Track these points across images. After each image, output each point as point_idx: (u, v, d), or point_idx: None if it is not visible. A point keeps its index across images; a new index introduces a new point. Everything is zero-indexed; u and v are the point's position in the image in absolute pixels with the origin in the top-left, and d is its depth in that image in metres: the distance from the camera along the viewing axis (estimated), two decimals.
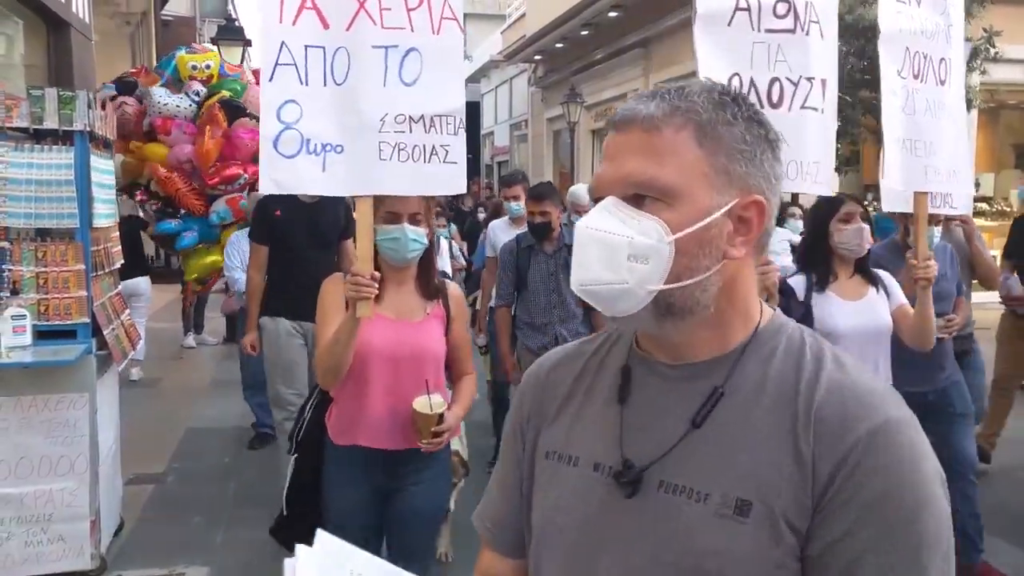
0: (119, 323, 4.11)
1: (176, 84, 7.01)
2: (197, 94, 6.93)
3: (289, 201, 4.29)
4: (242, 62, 7.94)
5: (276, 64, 2.33)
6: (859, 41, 8.80)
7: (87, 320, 3.67)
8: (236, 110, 6.92)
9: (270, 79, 2.33)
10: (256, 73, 7.48)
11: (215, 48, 7.84)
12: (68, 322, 3.64)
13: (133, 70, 7.80)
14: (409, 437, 2.52)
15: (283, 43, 2.32)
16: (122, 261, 4.39)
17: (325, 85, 2.36)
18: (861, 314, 3.11)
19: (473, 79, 30.56)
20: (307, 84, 2.34)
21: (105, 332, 3.81)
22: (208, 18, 17.81)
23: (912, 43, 3.02)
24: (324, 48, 2.35)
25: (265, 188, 2.44)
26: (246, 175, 7.01)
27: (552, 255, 4.53)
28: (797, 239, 6.26)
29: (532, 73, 23.90)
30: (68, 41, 7.61)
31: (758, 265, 2.23)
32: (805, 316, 2.78)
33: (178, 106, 6.85)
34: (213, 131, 6.66)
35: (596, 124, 20.30)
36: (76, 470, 3.67)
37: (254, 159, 7.08)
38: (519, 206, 5.29)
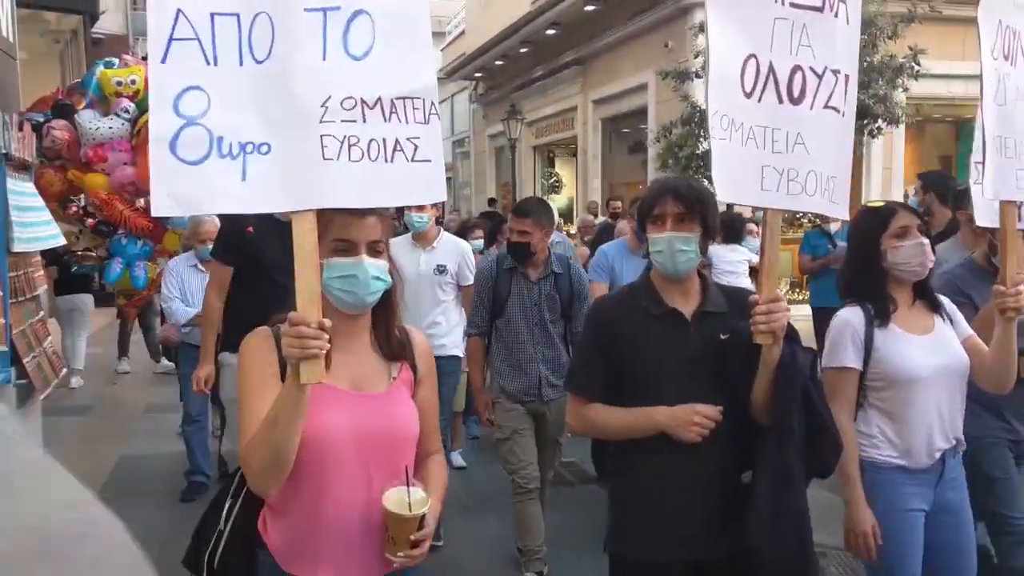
0: (41, 351, 3.97)
1: (102, 102, 6.71)
2: (127, 111, 6.61)
3: (261, 216, 3.68)
4: None
5: (170, 40, 1.73)
6: None
7: (4, 348, 3.53)
8: None
9: (162, 60, 1.73)
10: None
11: (139, 61, 7.38)
12: None
13: (53, 91, 7.38)
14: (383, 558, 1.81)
15: (179, 11, 1.73)
16: (45, 286, 4.25)
17: (241, 64, 1.76)
18: (939, 351, 2.54)
19: None
20: (215, 64, 1.75)
21: (25, 360, 3.68)
22: (141, 36, 17.45)
23: (1006, 15, 2.52)
24: (238, 15, 1.76)
25: (160, 207, 1.73)
26: None
27: (536, 283, 3.92)
28: (756, 259, 6.28)
29: (473, 90, 23.99)
30: None
31: (765, 303, 2.03)
32: (812, 366, 2.22)
33: (110, 128, 6.55)
34: None
35: (537, 140, 20.47)
36: None
37: None
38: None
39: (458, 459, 5.84)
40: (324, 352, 1.63)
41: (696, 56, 9.92)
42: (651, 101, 14.10)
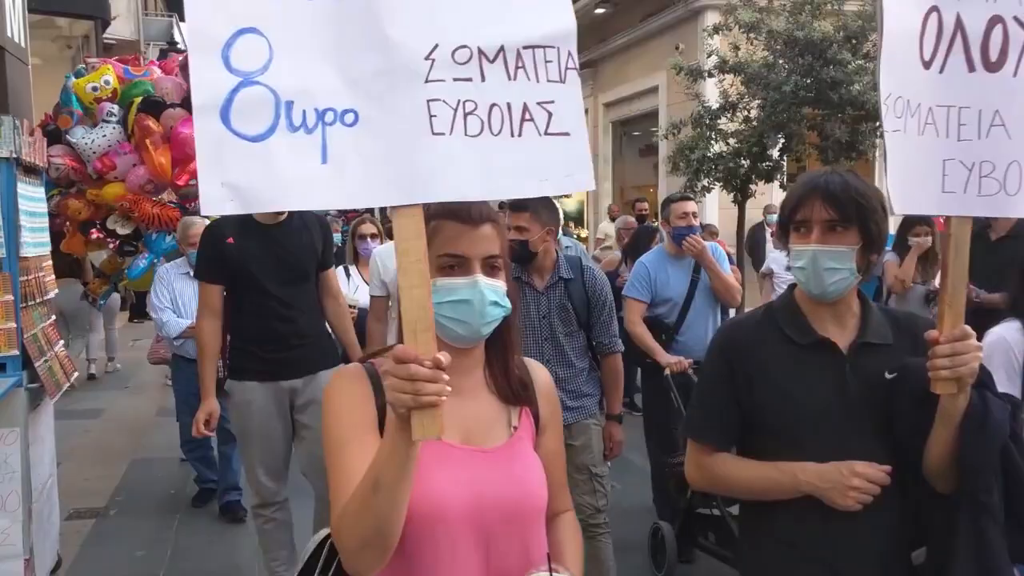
0: (53, 354, 3.97)
1: (88, 115, 6.43)
2: (112, 114, 6.36)
3: (242, 222, 3.40)
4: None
5: None
6: (805, 58, 9.00)
7: (16, 353, 3.54)
8: (157, 106, 6.32)
9: None
10: (164, 64, 6.87)
11: (103, 61, 6.98)
12: None
13: (44, 117, 7.08)
14: None
15: None
16: (55, 290, 4.25)
17: None
18: None
19: None
20: None
21: (37, 364, 3.68)
22: (152, 41, 17.56)
23: None
24: None
25: (211, 202, 1.23)
26: None
27: (543, 292, 3.36)
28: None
29: None
30: (2, 65, 7.40)
31: (948, 341, 1.52)
32: (1013, 418, 1.68)
33: (104, 136, 6.29)
34: (154, 141, 6.18)
35: None
36: (7, 508, 3.51)
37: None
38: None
39: None
40: (443, 399, 1.19)
41: (709, 56, 9.88)
42: (662, 104, 14.06)
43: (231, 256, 3.42)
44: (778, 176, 9.88)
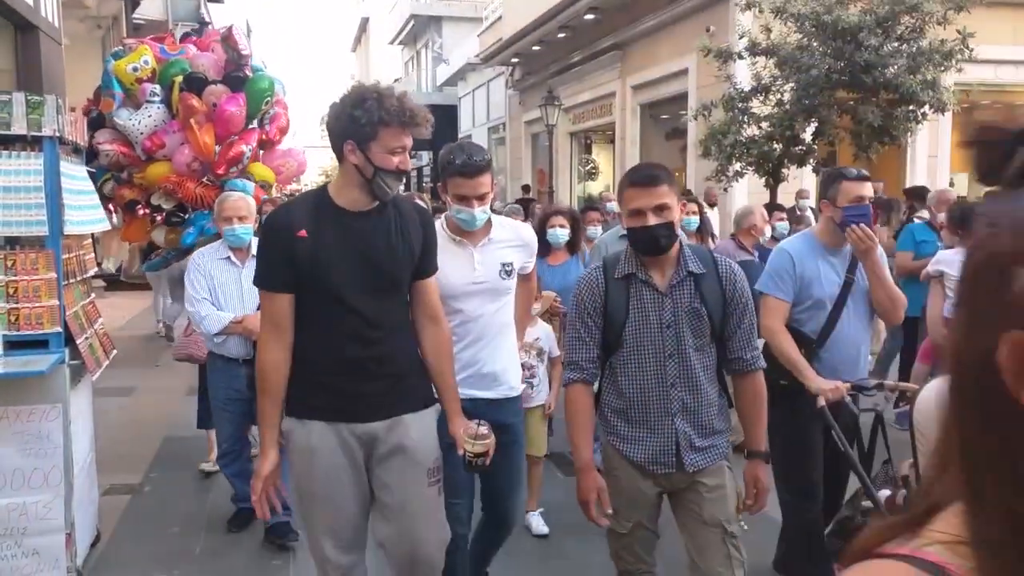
0: (92, 332, 4.02)
1: (130, 96, 6.43)
2: (155, 94, 6.37)
3: (317, 208, 2.61)
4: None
5: None
6: (836, 42, 8.85)
7: (59, 330, 3.58)
8: (200, 83, 6.31)
9: None
10: (199, 41, 6.88)
11: (141, 41, 6.99)
12: (39, 332, 3.55)
13: (86, 101, 7.05)
14: None
15: None
16: (96, 268, 4.29)
17: None
18: None
19: (450, 82, 30.52)
20: None
21: (78, 341, 3.73)
22: (181, 22, 17.62)
23: None
24: None
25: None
26: (249, 148, 6.43)
27: (667, 293, 2.60)
28: None
29: (509, 76, 23.90)
30: (36, 45, 7.47)
31: None
32: None
33: (150, 116, 6.30)
34: (199, 120, 6.17)
35: (574, 127, 20.33)
36: (50, 483, 3.58)
37: (246, 127, 6.44)
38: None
39: (538, 523, 4.40)
40: None
41: (740, 37, 9.75)
42: (691, 87, 13.92)
43: (303, 254, 2.52)
44: (811, 160, 9.76)
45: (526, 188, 19.63)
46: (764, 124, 9.63)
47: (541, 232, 4.89)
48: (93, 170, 6.21)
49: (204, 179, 6.44)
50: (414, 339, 2.75)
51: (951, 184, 11.48)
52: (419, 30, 34.79)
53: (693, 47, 11.80)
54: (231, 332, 4.08)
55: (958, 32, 8.90)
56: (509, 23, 20.94)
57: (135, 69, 6.31)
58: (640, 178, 2.59)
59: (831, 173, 3.54)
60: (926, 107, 9.13)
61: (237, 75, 6.52)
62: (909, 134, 9.60)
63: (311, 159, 8.55)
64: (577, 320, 2.70)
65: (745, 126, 9.65)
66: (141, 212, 6.65)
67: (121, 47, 7.07)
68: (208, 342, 4.27)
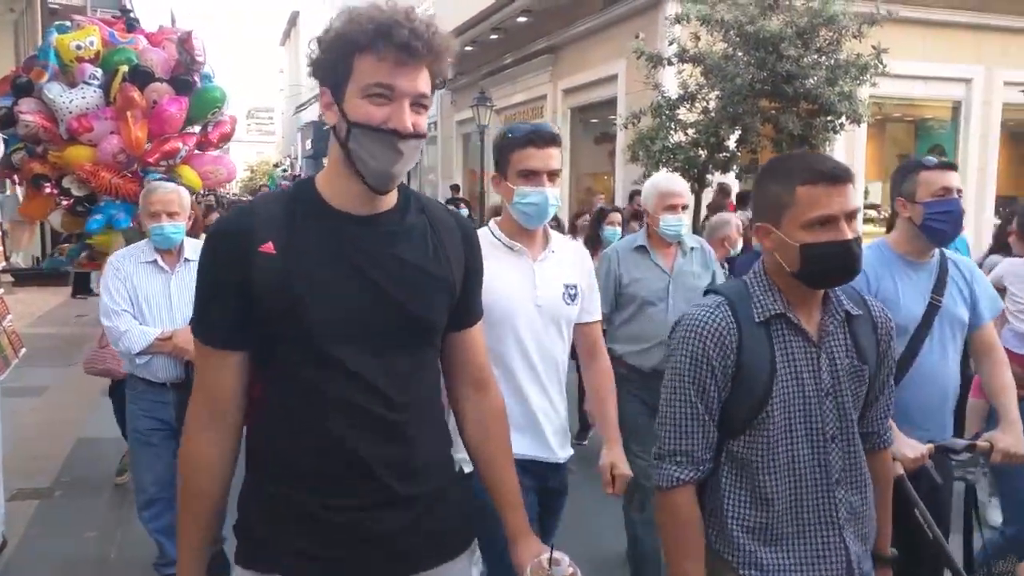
0: (1, 330, 3.85)
1: (65, 72, 6.21)
2: (95, 77, 6.14)
3: (300, 213, 1.56)
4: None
5: None
6: (759, 52, 9.12)
7: None
8: (145, 77, 6.15)
9: None
10: (152, 35, 6.73)
11: (92, 20, 6.79)
12: None
13: (10, 69, 6.79)
14: None
15: None
16: (4, 263, 4.11)
17: None
18: None
19: None
20: None
21: None
22: (100, 7, 16.98)
23: None
24: None
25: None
26: (186, 147, 6.30)
27: (820, 344, 1.81)
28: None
29: None
30: None
31: None
32: None
33: (84, 98, 6.03)
34: (135, 114, 6.00)
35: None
36: None
37: (183, 130, 6.33)
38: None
39: None
40: None
41: (670, 44, 9.96)
42: (621, 92, 14.15)
43: (266, 279, 1.49)
44: (734, 167, 10.04)
45: (455, 188, 19.62)
46: (690, 131, 9.87)
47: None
48: (5, 136, 6.00)
49: (126, 172, 6.23)
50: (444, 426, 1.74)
51: (866, 193, 11.96)
52: None
53: (623, 53, 12.01)
54: (157, 351, 3.37)
55: (873, 47, 9.29)
56: (441, 23, 20.71)
57: (79, 47, 6.09)
58: (832, 172, 1.71)
59: (905, 165, 2.72)
60: (843, 118, 9.50)
61: (185, 79, 6.42)
62: (827, 143, 9.96)
63: (235, 154, 8.42)
64: (689, 385, 1.76)
65: (672, 132, 9.87)
66: (48, 190, 6.34)
67: (68, 22, 6.82)
68: (128, 363, 3.48)
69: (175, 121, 6.24)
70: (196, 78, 6.54)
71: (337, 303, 1.50)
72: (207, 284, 1.56)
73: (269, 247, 1.50)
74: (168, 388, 3.47)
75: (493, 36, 18.57)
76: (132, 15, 9.23)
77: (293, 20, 51.45)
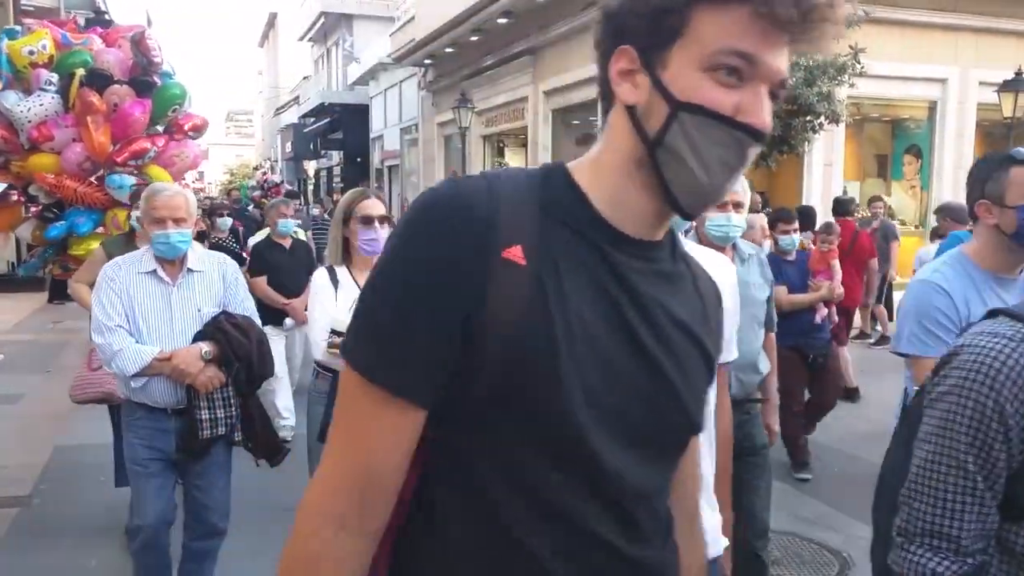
0: None
1: (19, 79, 5.98)
2: (51, 83, 5.94)
3: (559, 221, 1.01)
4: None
5: None
6: None
7: None
8: (104, 80, 5.98)
9: None
10: (106, 34, 6.53)
11: (43, 24, 6.44)
12: None
13: None
14: None
15: None
16: None
17: None
18: None
19: (361, 81, 30.12)
20: None
21: None
22: (74, 10, 16.79)
23: None
24: None
25: None
26: (155, 148, 6.16)
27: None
28: None
29: (422, 77, 23.78)
30: None
31: None
32: None
33: (42, 105, 5.86)
34: (96, 120, 5.85)
35: (487, 130, 20.39)
36: None
37: (148, 131, 6.19)
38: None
39: None
40: None
41: None
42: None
43: (510, 308, 0.94)
44: None
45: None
46: None
47: None
48: None
49: (92, 179, 6.12)
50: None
51: (844, 192, 12.04)
52: (329, 27, 34.19)
53: None
54: (155, 372, 3.03)
55: (851, 48, 9.36)
56: (422, 24, 20.83)
57: (31, 52, 5.89)
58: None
59: (988, 160, 2.23)
60: (822, 118, 9.57)
61: (145, 79, 6.28)
62: (806, 144, 10.03)
63: (214, 157, 8.29)
64: (967, 448, 1.28)
65: None
66: (15, 198, 6.17)
67: (19, 27, 6.65)
68: (123, 386, 3.15)
69: (138, 124, 6.10)
70: (156, 78, 6.37)
71: (607, 369, 0.96)
72: (406, 289, 0.94)
73: (517, 253, 0.94)
74: (169, 415, 3.15)
75: (473, 37, 18.54)
76: (107, 16, 9.13)
77: (271, 22, 51.14)
